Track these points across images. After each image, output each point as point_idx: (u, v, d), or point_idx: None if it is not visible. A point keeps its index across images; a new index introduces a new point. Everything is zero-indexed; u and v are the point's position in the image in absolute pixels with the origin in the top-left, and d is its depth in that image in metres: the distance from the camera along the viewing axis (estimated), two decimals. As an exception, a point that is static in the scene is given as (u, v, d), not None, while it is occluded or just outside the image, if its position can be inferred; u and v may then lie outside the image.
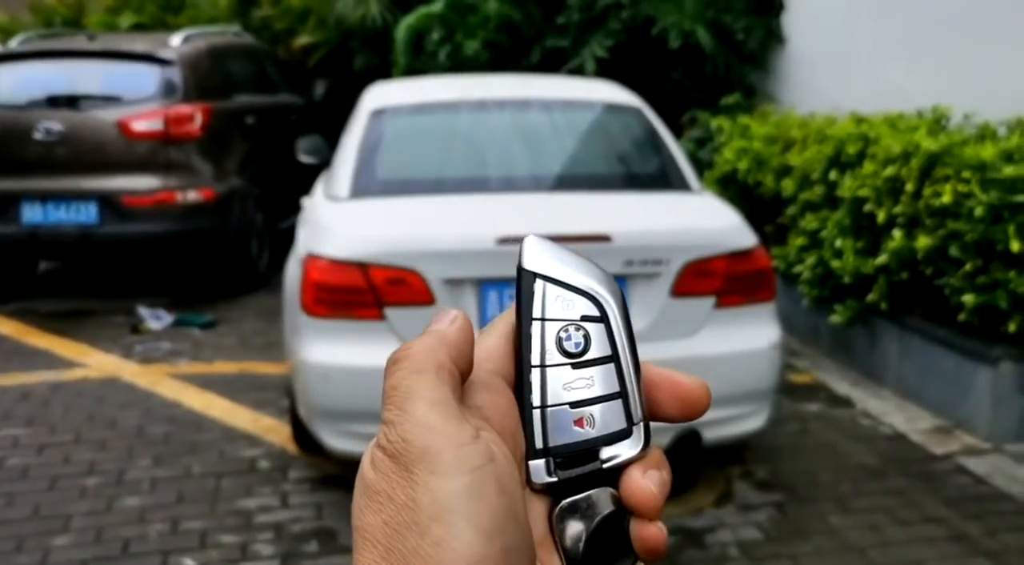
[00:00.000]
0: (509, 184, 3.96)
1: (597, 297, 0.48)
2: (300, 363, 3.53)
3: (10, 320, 6.37)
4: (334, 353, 3.42)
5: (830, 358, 5.46)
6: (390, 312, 3.38)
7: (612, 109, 4.53)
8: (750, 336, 3.60)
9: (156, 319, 6.21)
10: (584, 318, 0.48)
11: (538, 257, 0.49)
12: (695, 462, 3.97)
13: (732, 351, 3.55)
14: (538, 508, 0.47)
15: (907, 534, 3.55)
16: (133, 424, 4.59)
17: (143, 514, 3.72)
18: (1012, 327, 4.10)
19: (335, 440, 3.50)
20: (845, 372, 5.25)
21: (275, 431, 4.47)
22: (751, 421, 3.69)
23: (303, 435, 3.92)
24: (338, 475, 3.98)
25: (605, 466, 0.47)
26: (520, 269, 0.49)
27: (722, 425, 3.58)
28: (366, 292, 3.38)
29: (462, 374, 0.46)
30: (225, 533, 3.57)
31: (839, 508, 3.75)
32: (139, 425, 4.58)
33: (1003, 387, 4.27)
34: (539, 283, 0.48)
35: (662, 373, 0.49)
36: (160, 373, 5.31)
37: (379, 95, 4.63)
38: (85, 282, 7.45)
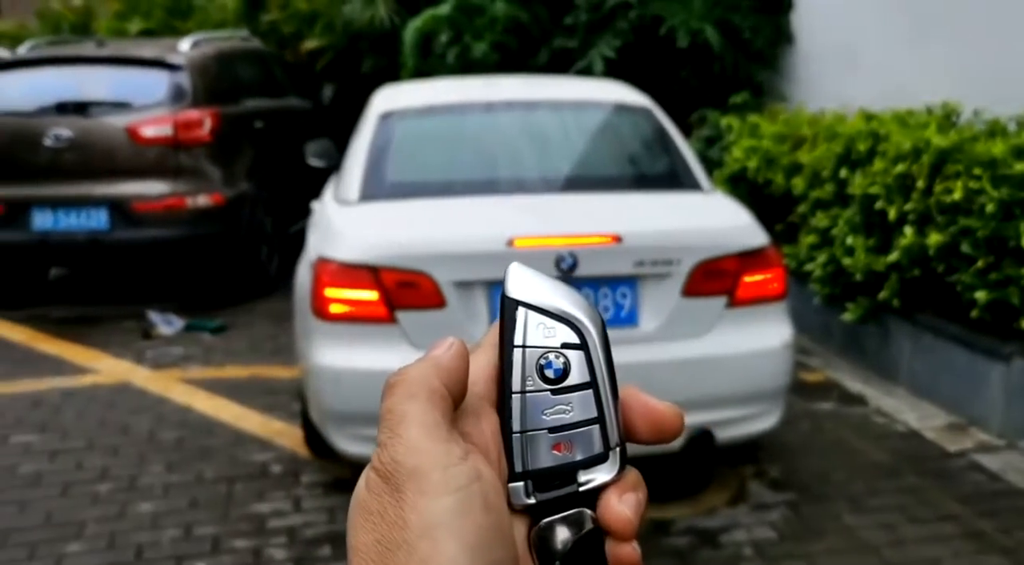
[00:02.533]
0: (519, 186, 3.95)
1: (578, 325, 0.50)
2: (312, 367, 3.53)
3: (21, 326, 6.39)
4: (346, 357, 3.42)
5: (842, 356, 5.44)
6: (401, 315, 3.38)
7: (621, 109, 4.52)
8: (762, 335, 3.58)
9: (167, 324, 6.22)
10: (564, 345, 0.49)
11: (521, 285, 0.50)
12: (708, 462, 3.96)
13: (744, 351, 3.54)
14: (519, 529, 0.48)
15: (921, 532, 3.53)
16: (145, 429, 4.60)
17: (156, 520, 3.72)
18: (1025, 323, 4.08)
19: (347, 444, 3.50)
20: (857, 370, 5.23)
21: (286, 435, 4.47)
22: (764, 420, 3.67)
23: (315, 439, 3.92)
24: (350, 479, 3.96)
25: (582, 489, 0.49)
26: (503, 297, 0.50)
27: (735, 424, 3.57)
28: (377, 295, 3.37)
29: (455, 399, 0.48)
30: (238, 538, 3.58)
31: (853, 507, 3.73)
32: (151, 430, 4.58)
33: (1016, 383, 4.25)
34: (521, 311, 0.50)
35: (637, 397, 0.50)
36: (171, 378, 5.32)
37: (388, 98, 4.63)
38: (96, 288, 7.47)
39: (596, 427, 0.49)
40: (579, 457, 0.48)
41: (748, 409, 3.58)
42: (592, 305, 0.51)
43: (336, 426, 3.50)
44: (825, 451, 4.26)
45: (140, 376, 5.37)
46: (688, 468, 3.88)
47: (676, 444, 3.41)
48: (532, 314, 0.50)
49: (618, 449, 0.49)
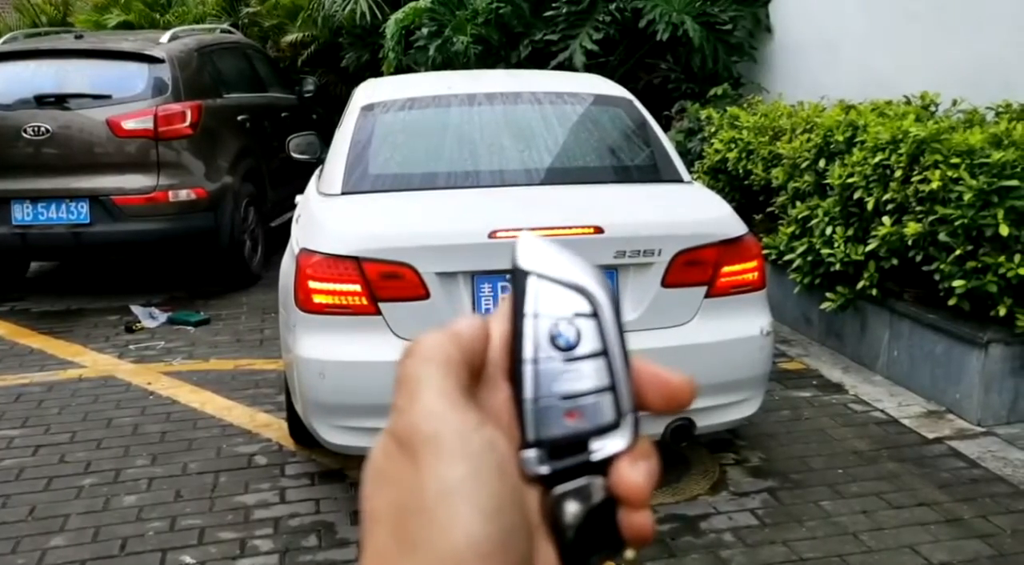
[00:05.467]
0: (500, 178, 3.97)
1: (589, 293, 0.49)
2: (295, 358, 3.54)
3: (3, 321, 6.37)
4: (329, 348, 3.43)
5: (821, 345, 5.49)
6: (384, 306, 3.39)
7: (602, 101, 4.54)
8: (742, 324, 3.62)
9: (150, 318, 6.21)
10: (576, 314, 0.49)
11: (532, 255, 0.50)
12: (685, 449, 4.00)
13: (724, 339, 3.57)
14: (532, 498, 0.48)
15: (900, 518, 3.58)
16: (129, 423, 4.60)
17: (140, 512, 3.73)
18: (1002, 311, 4.13)
19: (331, 435, 3.51)
20: (836, 358, 5.28)
21: (272, 427, 4.48)
22: (744, 408, 3.71)
23: (300, 430, 3.94)
24: (336, 470, 3.99)
25: (594, 457, 0.48)
26: (514, 267, 0.50)
27: (715, 413, 3.60)
28: (360, 287, 3.39)
29: (473, 369, 0.48)
30: (223, 529, 3.59)
31: (832, 493, 3.78)
32: (135, 424, 4.58)
33: (993, 370, 4.31)
34: (532, 280, 0.49)
35: (649, 369, 0.50)
36: (155, 371, 5.32)
37: (370, 91, 4.65)
38: (78, 282, 7.44)
39: (609, 395, 0.48)
40: (591, 425, 0.48)
41: (728, 397, 3.61)
42: (602, 274, 0.51)
43: (320, 417, 3.52)
44: (804, 438, 4.30)
45: (124, 370, 5.37)
46: (669, 456, 3.91)
47: (657, 433, 3.44)
48: (543, 283, 0.49)
49: (630, 417, 0.48)
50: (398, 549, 0.43)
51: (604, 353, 0.49)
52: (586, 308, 0.49)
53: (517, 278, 0.50)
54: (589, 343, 0.49)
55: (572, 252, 0.51)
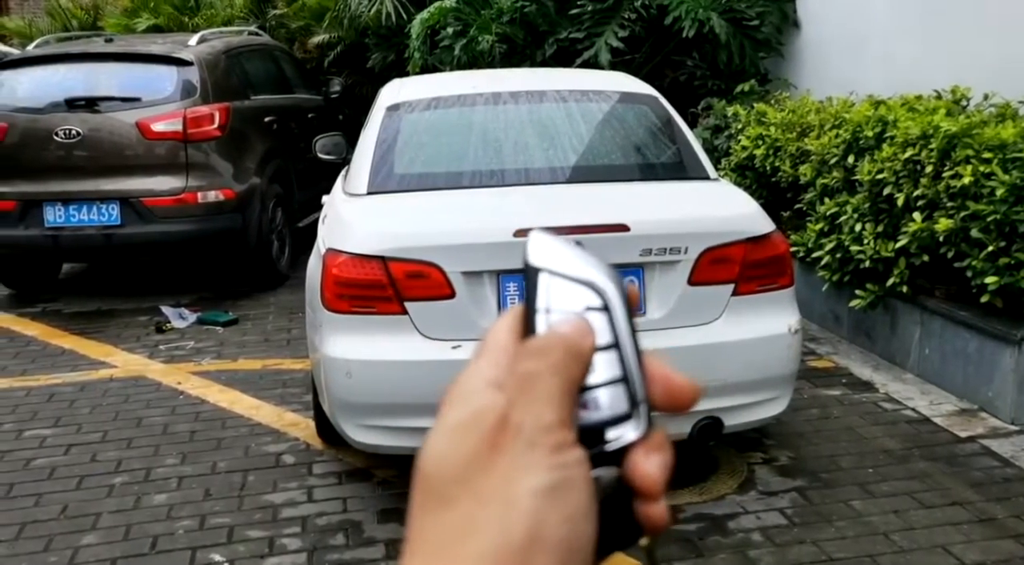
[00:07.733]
0: (526, 176, 3.97)
1: (599, 288, 0.50)
2: (322, 358, 3.56)
3: (35, 322, 6.45)
4: (355, 348, 3.44)
5: (851, 343, 5.44)
6: (410, 306, 3.40)
7: (627, 98, 4.53)
8: (769, 322, 3.59)
9: (180, 318, 6.26)
10: (587, 308, 0.50)
11: (543, 252, 0.51)
12: (712, 448, 3.97)
13: (751, 337, 3.54)
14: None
15: (932, 518, 3.54)
16: (159, 422, 4.64)
17: (170, 511, 3.76)
18: (1035, 308, 4.07)
19: (358, 434, 3.52)
20: (866, 356, 5.23)
21: (299, 426, 4.50)
22: (772, 407, 3.69)
23: (327, 429, 3.95)
24: (363, 469, 4.01)
25: (610, 447, 0.49)
26: (525, 264, 0.51)
27: (743, 411, 3.58)
28: (386, 286, 3.40)
29: (581, 384, 0.49)
30: (252, 528, 3.61)
31: (862, 493, 3.74)
32: (165, 423, 4.62)
33: (1027, 368, 4.25)
34: (544, 276, 0.51)
35: (658, 366, 0.51)
36: (184, 371, 5.36)
37: (395, 91, 4.66)
38: (109, 283, 7.51)
39: (622, 386, 0.49)
40: (606, 416, 0.49)
41: (756, 396, 3.59)
42: (612, 268, 0.51)
43: (347, 416, 3.53)
44: (834, 437, 4.27)
45: (154, 369, 5.41)
46: (696, 455, 3.89)
47: (684, 431, 3.43)
48: (555, 279, 0.51)
49: (643, 407, 0.49)
50: (465, 528, 0.45)
51: (616, 345, 0.50)
52: (596, 302, 0.50)
53: (529, 274, 0.51)
54: (601, 336, 0.50)
55: (582, 248, 0.52)
